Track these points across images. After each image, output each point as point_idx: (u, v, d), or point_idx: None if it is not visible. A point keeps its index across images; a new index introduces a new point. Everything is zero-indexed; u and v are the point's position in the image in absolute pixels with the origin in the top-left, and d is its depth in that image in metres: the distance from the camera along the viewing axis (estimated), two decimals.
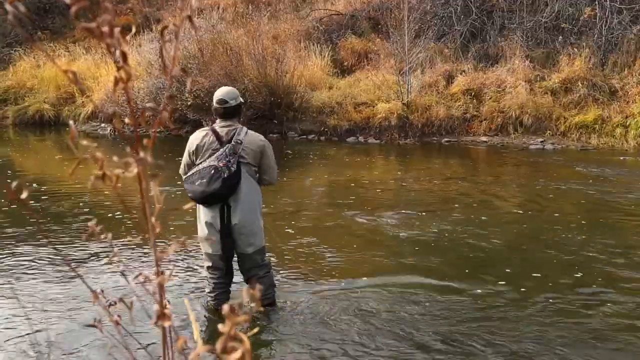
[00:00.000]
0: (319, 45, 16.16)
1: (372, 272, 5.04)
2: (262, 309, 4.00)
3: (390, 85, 14.42)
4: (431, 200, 7.83)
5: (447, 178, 9.38)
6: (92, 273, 4.89)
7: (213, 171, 3.65)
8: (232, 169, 3.68)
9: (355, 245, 5.84)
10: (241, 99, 3.96)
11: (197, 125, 14.75)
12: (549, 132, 13.20)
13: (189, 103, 14.08)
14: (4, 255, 5.44)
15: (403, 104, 13.87)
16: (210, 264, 3.92)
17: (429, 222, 6.58)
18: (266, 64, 14.33)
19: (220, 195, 3.69)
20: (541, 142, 12.98)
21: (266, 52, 14.54)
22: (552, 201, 7.76)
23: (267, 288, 4.01)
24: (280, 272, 5.03)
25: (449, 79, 14.58)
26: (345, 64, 16.37)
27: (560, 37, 14.57)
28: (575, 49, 14.15)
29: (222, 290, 3.97)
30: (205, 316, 4.03)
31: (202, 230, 3.84)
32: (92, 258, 5.30)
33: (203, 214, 3.81)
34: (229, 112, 3.85)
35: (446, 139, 13.57)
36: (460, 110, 13.79)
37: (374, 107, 14.06)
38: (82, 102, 16.72)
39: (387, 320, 4.05)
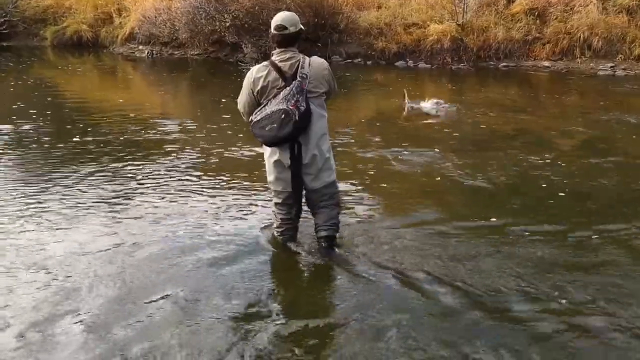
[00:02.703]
0: None
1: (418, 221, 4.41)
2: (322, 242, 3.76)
3: (444, 4, 13.25)
4: (485, 137, 7.02)
5: (504, 109, 8.47)
6: None
7: (284, 115, 3.42)
8: (302, 108, 3.44)
9: (395, 190, 5.18)
10: (301, 25, 3.61)
11: (236, 48, 14.04)
12: (620, 56, 11.93)
13: (227, 24, 13.29)
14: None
15: (458, 25, 12.73)
16: (279, 200, 3.75)
17: (482, 163, 5.83)
18: None
19: (292, 137, 3.50)
20: (611, 67, 11.76)
21: None
22: (622, 140, 6.85)
23: (330, 219, 3.76)
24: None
25: None
26: None
27: None
28: None
29: (289, 226, 3.83)
30: (271, 249, 3.85)
31: (270, 168, 3.69)
32: None
33: (272, 152, 3.63)
34: (288, 39, 3.52)
35: (504, 64, 12.46)
36: (521, 32, 12.58)
37: (425, 28, 12.98)
38: (120, 23, 16.11)
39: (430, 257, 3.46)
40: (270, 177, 3.72)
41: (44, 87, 11.04)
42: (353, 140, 6.79)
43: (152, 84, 12.02)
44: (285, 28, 3.48)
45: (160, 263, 3.63)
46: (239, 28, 13.31)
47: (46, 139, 6.78)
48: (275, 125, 3.42)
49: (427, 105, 8.31)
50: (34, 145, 6.47)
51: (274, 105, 3.45)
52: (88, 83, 11.98)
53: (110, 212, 4.49)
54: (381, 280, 3.40)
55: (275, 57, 3.54)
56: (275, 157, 3.61)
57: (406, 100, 8.45)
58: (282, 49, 3.53)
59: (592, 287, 3.29)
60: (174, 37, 14.66)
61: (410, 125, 7.76)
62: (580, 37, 12.10)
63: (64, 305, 3.11)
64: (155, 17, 14.85)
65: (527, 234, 4.04)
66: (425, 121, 7.93)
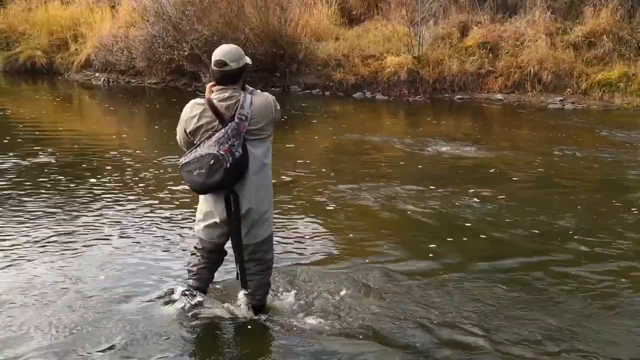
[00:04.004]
0: None
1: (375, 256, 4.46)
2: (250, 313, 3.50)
3: (400, 37, 13.51)
4: (440, 172, 7.15)
5: (459, 142, 8.66)
6: None
7: (213, 161, 3.06)
8: (237, 153, 3.10)
9: (354, 226, 5.22)
10: (247, 60, 3.27)
11: (195, 77, 13.99)
12: (569, 90, 12.37)
13: (185, 53, 13.25)
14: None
15: (414, 57, 13.00)
16: (201, 246, 3.46)
17: (437, 198, 5.93)
18: (269, 11, 13.40)
19: (223, 186, 3.16)
20: (560, 101, 12.16)
21: None
22: (575, 175, 7.08)
23: (259, 288, 3.48)
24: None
25: (464, 31, 13.63)
26: (354, 12, 15.37)
27: None
28: (602, 0, 13.10)
29: (206, 269, 3.51)
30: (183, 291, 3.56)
31: (201, 215, 3.38)
32: None
33: (204, 200, 3.34)
34: (228, 76, 3.19)
35: (459, 96, 12.76)
36: (474, 65, 12.91)
37: (382, 60, 13.20)
38: (76, 49, 15.87)
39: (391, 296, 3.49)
40: (198, 224, 3.39)
41: None
42: (310, 173, 6.81)
43: (107, 113, 11.85)
44: (226, 64, 3.15)
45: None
46: (198, 57, 13.28)
47: None
48: (203, 170, 3.09)
49: None
50: None
51: (205, 148, 3.11)
52: (41, 110, 11.72)
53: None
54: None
55: (213, 95, 3.21)
56: (208, 208, 3.29)
57: None
58: (222, 87, 3.20)
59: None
60: (131, 66, 14.51)
61: (367, 159, 7.83)
62: (530, 71, 12.50)
63: None
64: (112, 44, 14.68)
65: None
66: (382, 154, 8.04)
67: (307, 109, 11.59)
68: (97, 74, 15.28)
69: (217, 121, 3.13)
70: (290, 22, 13.61)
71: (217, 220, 3.28)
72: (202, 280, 3.52)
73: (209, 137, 3.12)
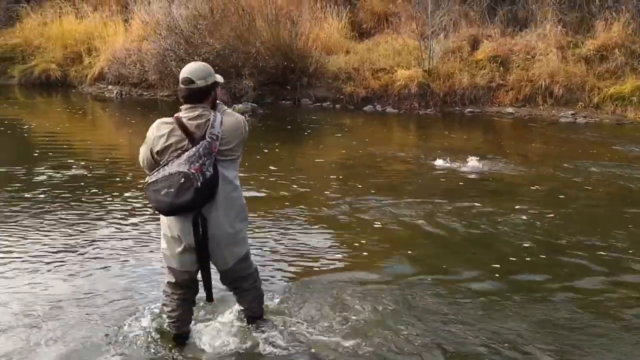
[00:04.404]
0: (336, 6, 15.20)
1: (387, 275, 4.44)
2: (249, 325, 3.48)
3: (411, 50, 13.54)
4: (451, 186, 7.12)
5: (468, 156, 8.62)
6: None
7: (183, 179, 2.92)
8: (208, 173, 2.96)
9: (364, 240, 5.20)
10: (216, 78, 3.15)
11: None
12: (581, 103, 12.30)
13: None
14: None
15: (424, 71, 13.02)
16: (173, 279, 3.21)
17: (448, 213, 5.90)
18: (280, 25, 13.51)
19: (192, 207, 2.99)
20: (572, 114, 12.10)
21: (280, 13, 13.70)
22: (587, 190, 7.01)
23: (252, 301, 3.43)
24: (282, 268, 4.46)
25: (474, 44, 13.65)
26: (364, 26, 15.45)
27: (597, 0, 13.46)
28: (613, 13, 13.07)
29: (184, 309, 3.29)
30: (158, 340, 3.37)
31: (166, 243, 3.15)
32: None
33: (168, 225, 3.11)
34: (196, 94, 3.06)
35: (469, 110, 12.74)
36: (485, 78, 12.91)
37: (393, 73, 13.23)
38: (89, 62, 16.05)
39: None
40: (164, 252, 3.18)
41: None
42: (321, 186, 6.81)
43: (128, 125, 11.95)
44: (192, 81, 3.04)
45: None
46: None
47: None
48: (172, 190, 2.92)
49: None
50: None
51: (175, 167, 2.96)
52: (64, 123, 11.82)
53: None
54: None
55: (182, 114, 3.08)
56: (174, 232, 3.08)
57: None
58: (190, 105, 3.08)
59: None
60: (144, 78, 14.64)
61: (378, 173, 7.82)
62: (541, 84, 12.47)
63: None
64: (125, 57, 14.85)
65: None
66: (392, 168, 8.03)
67: (318, 121, 11.61)
68: (110, 87, 15.43)
69: (187, 140, 3.01)
70: (301, 36, 13.70)
71: (185, 245, 3.09)
72: (185, 323, 3.35)
73: (178, 156, 2.99)
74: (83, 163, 7.66)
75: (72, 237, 5.02)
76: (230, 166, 3.13)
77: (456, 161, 8.03)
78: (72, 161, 7.77)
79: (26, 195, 6.16)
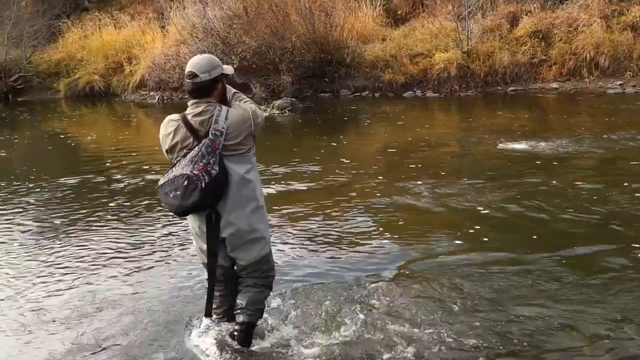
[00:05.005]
0: None
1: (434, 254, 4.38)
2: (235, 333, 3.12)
3: (448, 32, 13.33)
4: (497, 165, 6.96)
5: (515, 134, 8.42)
6: None
7: (186, 182, 2.82)
8: (214, 172, 2.84)
9: (416, 226, 5.14)
10: (223, 70, 3.00)
11: (245, 88, 14.19)
12: (629, 73, 11.88)
13: (235, 66, 13.46)
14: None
15: (463, 52, 12.80)
16: (207, 275, 3.15)
17: (494, 193, 5.78)
18: (314, 18, 13.51)
19: (204, 207, 2.92)
20: (620, 85, 11.70)
21: (314, 6, 13.68)
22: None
23: (252, 302, 3.10)
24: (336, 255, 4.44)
25: (513, 21, 13.33)
26: (399, 12, 15.30)
27: None
28: None
29: (223, 302, 3.20)
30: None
31: (194, 240, 3.16)
32: None
33: (192, 222, 3.09)
34: (200, 89, 2.92)
35: (512, 88, 12.46)
36: (526, 55, 12.61)
37: (431, 57, 13.07)
38: (130, 71, 16.41)
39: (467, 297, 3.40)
40: (196, 249, 3.18)
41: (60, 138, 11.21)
42: (364, 174, 6.77)
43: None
44: (196, 75, 2.90)
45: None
46: (247, 69, 13.49)
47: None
48: (179, 192, 2.85)
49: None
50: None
51: (179, 169, 2.88)
52: (124, 131, 12.04)
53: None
54: None
55: (188, 110, 2.97)
56: (194, 229, 3.07)
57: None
58: (195, 101, 2.95)
59: None
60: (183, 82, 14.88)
61: (425, 157, 7.69)
62: (586, 56, 12.09)
63: None
64: (164, 63, 15.11)
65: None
66: (436, 151, 7.92)
67: (358, 111, 11.56)
68: (151, 93, 15.75)
69: (192, 138, 2.90)
70: (336, 27, 13.66)
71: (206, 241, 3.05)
72: (225, 316, 3.22)
73: (184, 156, 2.90)
74: (157, 168, 7.55)
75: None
76: (241, 160, 2.98)
77: (518, 141, 7.80)
78: (147, 167, 7.75)
79: (111, 205, 6.14)
